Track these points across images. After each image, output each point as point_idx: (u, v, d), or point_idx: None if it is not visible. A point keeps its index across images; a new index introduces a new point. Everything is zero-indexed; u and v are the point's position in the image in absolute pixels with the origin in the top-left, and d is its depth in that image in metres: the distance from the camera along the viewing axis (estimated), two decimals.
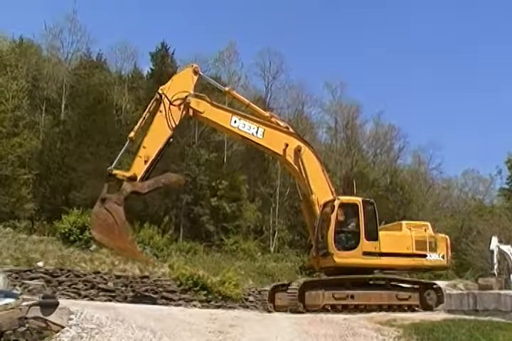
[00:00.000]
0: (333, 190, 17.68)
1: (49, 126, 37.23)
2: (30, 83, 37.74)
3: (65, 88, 39.88)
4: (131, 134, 16.75)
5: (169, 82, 17.30)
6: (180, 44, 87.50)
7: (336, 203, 16.61)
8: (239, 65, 48.76)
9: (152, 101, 16.91)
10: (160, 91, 16.75)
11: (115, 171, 16.17)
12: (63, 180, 33.84)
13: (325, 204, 16.95)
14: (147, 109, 16.99)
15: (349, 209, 16.92)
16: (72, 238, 23.56)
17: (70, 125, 37.05)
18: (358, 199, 17.29)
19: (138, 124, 16.97)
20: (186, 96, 16.73)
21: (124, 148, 16.86)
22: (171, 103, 16.62)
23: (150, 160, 16.25)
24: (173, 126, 16.71)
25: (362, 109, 52.88)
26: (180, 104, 16.74)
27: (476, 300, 14.18)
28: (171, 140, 17.06)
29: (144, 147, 16.41)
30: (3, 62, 34.42)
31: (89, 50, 45.95)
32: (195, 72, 17.60)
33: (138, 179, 16.00)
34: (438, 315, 13.99)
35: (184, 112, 16.93)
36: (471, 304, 14.28)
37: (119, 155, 16.65)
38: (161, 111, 16.64)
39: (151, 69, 43.65)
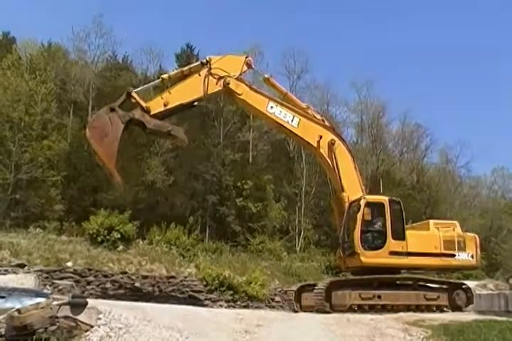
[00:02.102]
0: (363, 188, 17.60)
1: (76, 128, 37.52)
2: (58, 86, 38.24)
3: (92, 90, 40.30)
4: (165, 76, 17.16)
5: (220, 57, 17.51)
6: (205, 44, 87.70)
7: (362, 202, 16.51)
8: (263, 64, 48.59)
9: (199, 62, 17.25)
10: (208, 59, 17.03)
11: (135, 94, 16.34)
12: (91, 181, 34.19)
13: (351, 204, 16.85)
14: (190, 66, 17.35)
15: (375, 209, 16.80)
16: (99, 239, 23.84)
17: None
18: (384, 199, 17.15)
19: (175, 72, 17.39)
20: (226, 76, 16.96)
21: (152, 83, 17.08)
22: (210, 74, 16.84)
23: (168, 107, 16.42)
24: (204, 92, 16.90)
25: (388, 108, 52.42)
26: (218, 80, 16.97)
27: (507, 301, 13.93)
28: (196, 103, 17.35)
29: (170, 93, 16.59)
30: (33, 66, 34.94)
31: (115, 52, 46.42)
32: (248, 65, 17.85)
33: (150, 113, 16.21)
34: (468, 316, 13.80)
35: (220, 88, 17.16)
36: (502, 305, 14.03)
37: (146, 86, 16.95)
38: (199, 75, 16.89)
39: (176, 70, 43.78)
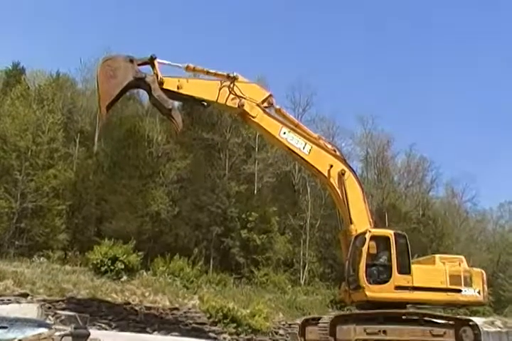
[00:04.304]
0: (371, 221, 17.48)
1: (82, 158, 37.87)
2: (65, 116, 38.65)
3: (98, 120, 40.60)
4: (191, 65, 17.56)
5: (247, 81, 17.97)
6: None
7: (367, 236, 16.38)
8: None
9: (226, 73, 17.54)
10: (235, 75, 17.44)
11: (157, 62, 17.03)
12: (96, 211, 34.23)
13: (357, 237, 16.76)
14: (216, 71, 17.67)
15: (381, 242, 16.65)
16: (103, 269, 23.75)
17: (102, 157, 37.67)
18: (389, 232, 17.01)
19: (200, 68, 17.73)
20: (242, 97, 17.37)
21: (176, 64, 17.56)
22: (230, 92, 17.31)
23: (179, 91, 17.07)
24: (219, 100, 17.43)
25: (393, 141, 52.63)
26: (235, 97, 17.36)
27: None
28: (206, 104, 18.17)
29: (187, 81, 17.29)
30: (41, 96, 35.42)
31: None
32: (269, 103, 18.08)
33: (160, 86, 16.88)
34: None
35: (234, 106, 17.53)
36: None
37: (169, 63, 17.37)
38: (221, 83, 17.39)
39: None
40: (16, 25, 79.96)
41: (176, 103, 20.17)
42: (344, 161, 18.35)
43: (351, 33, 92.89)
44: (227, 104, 17.53)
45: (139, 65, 17.03)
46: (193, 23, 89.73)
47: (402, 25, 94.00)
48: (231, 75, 17.43)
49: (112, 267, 23.80)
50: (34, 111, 32.64)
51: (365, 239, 16.33)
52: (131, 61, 16.83)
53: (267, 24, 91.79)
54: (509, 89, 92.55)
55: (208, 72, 17.71)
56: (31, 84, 38.92)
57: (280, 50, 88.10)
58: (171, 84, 17.03)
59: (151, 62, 17.18)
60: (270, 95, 18.20)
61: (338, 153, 18.46)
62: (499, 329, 21.68)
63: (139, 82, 17.03)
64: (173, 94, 17.19)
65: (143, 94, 47.37)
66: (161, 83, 16.88)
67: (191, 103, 19.24)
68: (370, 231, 16.62)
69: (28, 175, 30.73)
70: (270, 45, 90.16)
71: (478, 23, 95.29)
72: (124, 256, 24.29)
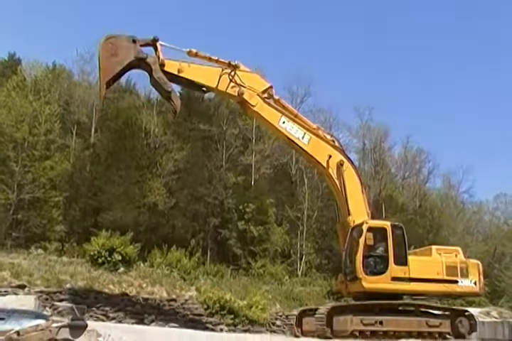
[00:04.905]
0: (369, 212, 17.49)
1: (79, 149, 37.76)
2: (62, 107, 38.50)
3: (95, 112, 40.52)
4: (194, 50, 17.44)
5: (248, 70, 17.98)
6: None
7: (364, 227, 16.42)
8: None
9: (228, 61, 17.50)
10: (236, 64, 17.43)
11: (159, 44, 17.06)
12: (93, 202, 34.17)
13: (353, 228, 16.78)
14: (218, 58, 17.58)
15: (378, 234, 16.68)
16: (100, 260, 23.75)
17: (99, 148, 37.55)
18: (386, 224, 17.07)
19: (203, 54, 17.60)
20: (241, 86, 17.35)
21: (179, 48, 17.48)
22: (230, 79, 17.31)
23: (179, 74, 17.07)
24: (219, 87, 17.43)
25: (390, 132, 52.57)
26: (235, 85, 17.37)
27: (511, 329, 13.77)
28: (205, 90, 18.36)
29: (189, 66, 17.21)
30: (37, 87, 35.29)
31: None
32: (269, 94, 18.03)
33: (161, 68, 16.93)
34: None
35: (233, 94, 17.55)
36: (506, 333, 13.90)
37: (172, 46, 17.33)
38: (222, 70, 17.38)
39: (179, 92, 44.07)
40: (12, 16, 79.43)
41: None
42: (343, 152, 18.34)
43: (350, 26, 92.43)
44: (227, 91, 17.52)
45: (141, 45, 16.99)
46: (192, 17, 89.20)
47: (401, 21, 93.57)
48: (232, 63, 17.41)
49: (109, 258, 23.81)
50: (30, 102, 32.51)
51: (363, 230, 16.36)
52: (134, 41, 16.80)
53: (265, 16, 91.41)
54: (508, 79, 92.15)
55: (210, 59, 17.60)
56: (27, 75, 38.72)
57: (278, 41, 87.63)
58: (171, 67, 17.00)
59: (153, 43, 17.14)
60: (271, 86, 18.16)
61: (336, 144, 18.44)
62: (494, 319, 21.76)
63: (140, 63, 16.97)
64: (173, 78, 17.15)
65: (140, 86, 47.54)
66: (162, 65, 16.84)
67: (190, 88, 19.18)
68: (367, 223, 16.65)
69: (24, 167, 30.68)
70: (268, 37, 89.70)
71: (478, 22, 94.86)
72: (121, 248, 24.30)
